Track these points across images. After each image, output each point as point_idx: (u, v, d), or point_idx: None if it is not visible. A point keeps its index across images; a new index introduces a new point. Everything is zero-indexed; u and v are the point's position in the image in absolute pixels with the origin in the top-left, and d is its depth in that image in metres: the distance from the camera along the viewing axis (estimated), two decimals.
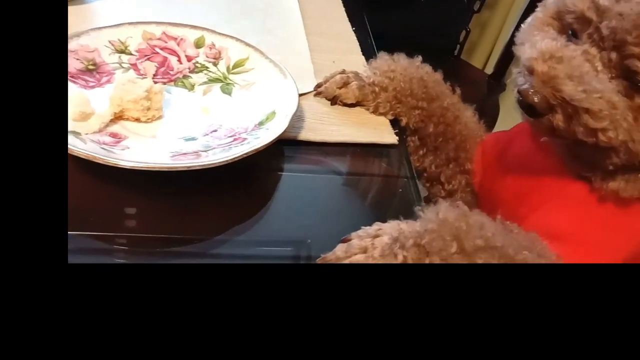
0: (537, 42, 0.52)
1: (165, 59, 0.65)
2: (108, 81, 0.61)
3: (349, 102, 0.68)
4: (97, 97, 0.57)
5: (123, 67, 0.63)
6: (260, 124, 0.58)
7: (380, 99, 0.68)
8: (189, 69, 0.65)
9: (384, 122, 0.69)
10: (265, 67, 0.64)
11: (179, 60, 0.65)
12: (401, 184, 0.63)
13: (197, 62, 0.66)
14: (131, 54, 0.64)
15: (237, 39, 0.67)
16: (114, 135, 0.55)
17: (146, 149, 0.54)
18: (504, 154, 0.69)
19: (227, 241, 0.51)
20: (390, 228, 0.49)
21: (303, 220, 0.56)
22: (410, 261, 0.46)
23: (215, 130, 0.58)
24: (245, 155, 0.51)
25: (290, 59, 0.72)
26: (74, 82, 0.58)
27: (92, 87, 0.60)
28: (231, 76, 0.65)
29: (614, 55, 0.48)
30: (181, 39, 0.66)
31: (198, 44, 0.66)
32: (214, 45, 0.67)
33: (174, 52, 0.66)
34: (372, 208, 0.61)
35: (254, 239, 0.52)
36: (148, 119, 0.57)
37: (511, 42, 1.78)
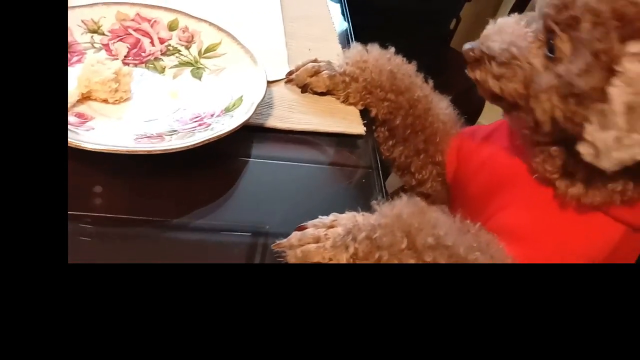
0: (499, 19, 0.59)
1: (138, 40, 0.66)
2: (78, 61, 0.62)
3: (319, 90, 0.69)
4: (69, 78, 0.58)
5: (95, 47, 0.64)
6: (227, 110, 0.59)
7: (351, 89, 0.69)
8: (161, 51, 0.66)
9: (353, 112, 0.70)
10: (237, 53, 0.65)
11: (152, 43, 0.66)
12: (365, 175, 0.64)
13: (169, 45, 0.67)
14: (104, 34, 0.65)
15: (211, 23, 0.67)
16: (80, 115, 0.56)
17: (111, 130, 0.55)
18: (480, 149, 0.70)
19: (185, 224, 0.53)
20: (346, 219, 0.51)
21: (264, 207, 0.57)
22: (360, 254, 0.47)
23: (179, 113, 0.59)
24: (206, 142, 0.52)
25: (265, 44, 0.73)
26: None
27: None
28: (202, 60, 0.66)
29: (539, 25, 0.53)
30: (155, 21, 0.67)
31: (171, 27, 0.67)
32: (187, 28, 0.67)
33: (147, 34, 0.66)
34: (333, 197, 0.62)
35: (213, 224, 0.54)
36: (115, 100, 0.58)
37: None
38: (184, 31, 0.67)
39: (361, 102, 0.70)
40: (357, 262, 0.47)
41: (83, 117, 0.55)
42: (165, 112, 0.59)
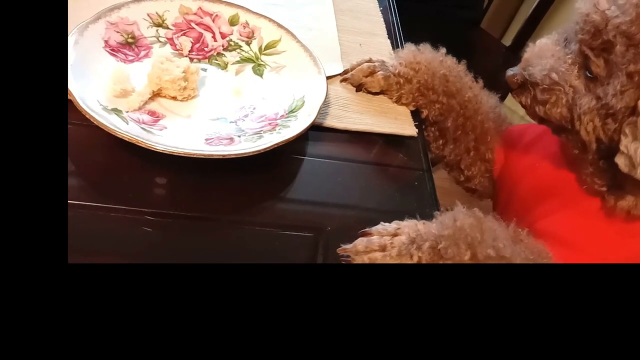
0: (539, 41, 0.61)
1: (201, 34, 0.67)
2: (146, 55, 0.63)
3: (374, 90, 0.71)
4: (136, 72, 0.60)
5: (160, 42, 0.65)
6: (291, 111, 0.61)
7: (404, 90, 0.71)
8: (223, 46, 0.68)
9: (404, 113, 0.71)
10: (296, 51, 0.67)
11: (214, 37, 0.67)
12: (416, 177, 0.66)
13: (230, 40, 0.68)
14: (168, 28, 0.66)
15: (270, 20, 0.68)
16: (152, 113, 0.58)
17: (182, 130, 0.57)
18: (528, 150, 0.72)
19: (245, 222, 0.55)
20: (409, 228, 0.53)
21: (323, 206, 0.59)
22: (424, 262, 0.50)
23: (246, 115, 0.61)
24: (275, 146, 0.54)
25: (318, 39, 0.74)
26: (114, 55, 0.60)
27: (131, 61, 0.62)
28: (263, 57, 0.67)
29: (576, 47, 0.56)
30: (216, 15, 0.68)
31: (232, 22, 0.68)
32: (247, 24, 0.68)
33: (209, 29, 0.67)
34: (387, 198, 0.64)
35: (274, 222, 0.56)
36: (184, 98, 0.60)
37: (532, 17, 1.77)
38: (244, 26, 0.68)
39: (413, 103, 0.72)
40: None
41: (155, 115, 0.57)
42: (230, 110, 0.61)
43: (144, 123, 0.55)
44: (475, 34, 1.73)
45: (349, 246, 0.53)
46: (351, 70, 0.71)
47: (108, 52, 0.60)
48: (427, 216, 0.56)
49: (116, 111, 0.54)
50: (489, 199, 0.83)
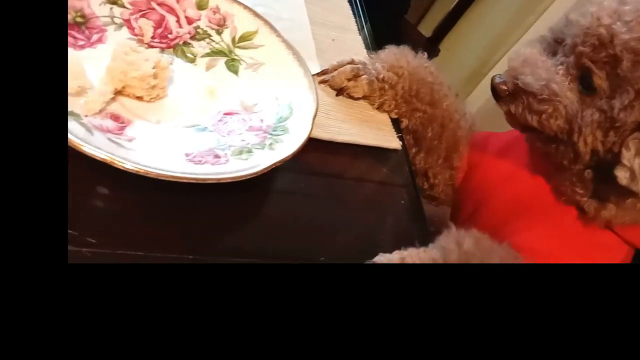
0: (521, 49, 0.60)
1: (163, 17, 0.55)
2: (99, 40, 0.51)
3: (357, 96, 0.64)
4: (88, 62, 0.48)
5: (115, 23, 0.53)
6: (279, 120, 0.52)
7: (387, 97, 0.65)
8: (190, 34, 0.57)
9: (386, 122, 0.65)
10: (276, 47, 0.57)
11: (178, 22, 0.56)
12: (402, 194, 0.61)
13: (198, 27, 0.57)
14: (124, 7, 0.54)
15: (245, 7, 0.58)
16: (115, 117, 0.46)
17: (154, 141, 0.46)
18: (501, 158, 0.70)
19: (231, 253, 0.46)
20: (411, 258, 0.50)
21: (312, 234, 0.52)
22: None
23: (225, 122, 0.52)
24: (273, 166, 0.46)
25: (290, 32, 0.64)
26: None
27: (82, 46, 0.50)
28: (237, 51, 0.57)
29: (572, 58, 0.55)
30: None
31: (200, 5, 0.57)
32: (218, 9, 0.58)
33: (172, 11, 0.56)
34: (378, 220, 0.58)
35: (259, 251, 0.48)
36: (152, 98, 0.49)
37: (453, 11, 1.77)
38: (214, 12, 0.58)
39: (395, 111, 0.66)
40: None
41: (119, 121, 0.46)
42: (206, 115, 0.51)
43: (108, 131, 0.44)
44: (402, 23, 1.71)
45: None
46: (331, 71, 0.63)
47: None
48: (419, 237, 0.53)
49: (74, 115, 0.43)
50: (447, 206, 0.80)
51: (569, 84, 0.55)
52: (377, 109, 0.65)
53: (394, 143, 0.63)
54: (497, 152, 0.71)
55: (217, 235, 0.47)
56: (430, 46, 1.77)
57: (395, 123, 0.66)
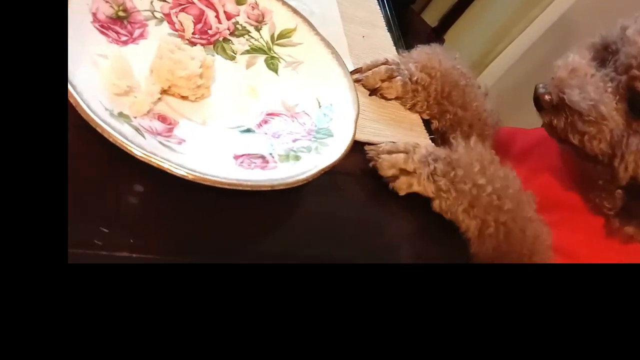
0: (569, 56, 0.58)
1: (202, 12, 0.54)
2: (141, 36, 0.50)
3: (390, 97, 0.63)
4: (131, 58, 0.47)
5: (156, 18, 0.51)
6: (322, 123, 0.51)
7: (419, 98, 0.64)
8: (229, 29, 0.55)
9: (418, 123, 0.65)
10: (315, 46, 0.56)
11: (217, 17, 0.55)
12: None
13: (237, 23, 0.56)
14: (165, 1, 0.52)
15: (284, 3, 0.57)
16: (162, 118, 0.45)
17: (202, 143, 0.45)
18: (526, 158, 0.70)
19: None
20: (427, 145, 0.55)
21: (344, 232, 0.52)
22: (439, 172, 0.52)
23: (267, 122, 0.51)
24: (322, 172, 0.45)
25: (322, 28, 0.63)
26: (104, 34, 0.46)
27: (125, 42, 0.48)
28: (276, 48, 0.56)
29: (623, 78, 0.53)
30: None
31: (239, 0, 0.56)
32: (257, 4, 0.56)
33: (211, 5, 0.55)
34: (410, 224, 0.58)
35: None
36: (197, 98, 0.48)
37: (459, 2, 1.77)
38: (253, 7, 0.56)
39: (427, 112, 0.65)
40: (436, 177, 0.52)
41: (167, 122, 0.45)
42: (250, 116, 0.50)
43: (158, 134, 0.43)
44: (407, 12, 1.70)
45: (375, 146, 0.54)
46: (365, 71, 0.63)
47: (97, 29, 0.46)
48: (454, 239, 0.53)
49: (124, 117, 0.42)
50: None
51: (616, 103, 0.54)
52: (409, 109, 0.65)
53: (425, 143, 0.63)
54: (523, 150, 0.72)
55: (252, 238, 0.46)
56: (435, 36, 1.76)
57: (426, 124, 0.66)
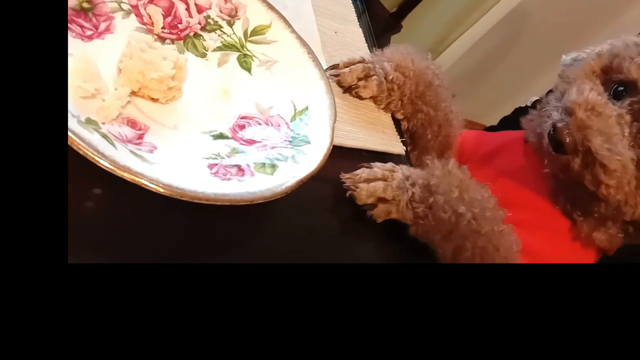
0: (584, 90, 0.55)
1: (172, 4, 0.51)
2: (107, 30, 0.46)
3: (365, 96, 0.62)
4: (97, 55, 0.43)
5: (123, 9, 0.48)
6: (298, 128, 0.49)
7: (394, 97, 0.63)
8: (200, 24, 0.52)
9: (389, 125, 0.64)
10: (291, 45, 0.54)
11: (188, 10, 0.51)
12: None
13: (208, 17, 0.53)
14: None
15: None
16: (132, 123, 0.42)
17: (175, 151, 0.43)
18: (493, 158, 0.70)
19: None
20: (403, 168, 0.55)
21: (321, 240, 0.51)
22: (417, 199, 0.51)
23: (241, 127, 0.48)
24: (301, 183, 0.43)
25: (295, 22, 0.61)
26: (69, 29, 0.42)
27: (90, 37, 0.44)
28: (249, 45, 0.54)
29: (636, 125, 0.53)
30: None
31: None
32: None
33: None
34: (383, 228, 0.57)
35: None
36: (168, 100, 0.45)
37: None
38: (225, 1, 0.53)
39: (401, 111, 0.65)
40: (414, 204, 0.51)
41: (137, 127, 0.42)
42: (223, 120, 0.48)
43: (128, 141, 0.40)
44: None
45: (353, 174, 0.53)
46: (343, 68, 0.61)
47: None
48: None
49: (92, 124, 0.38)
50: None
51: (630, 149, 0.53)
52: (383, 109, 0.64)
53: (398, 148, 0.62)
54: (488, 152, 0.72)
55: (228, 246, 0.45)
56: (394, 21, 1.75)
57: (397, 125, 0.65)
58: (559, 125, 0.53)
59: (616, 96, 0.56)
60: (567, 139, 0.52)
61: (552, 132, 0.55)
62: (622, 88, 0.56)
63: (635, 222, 0.57)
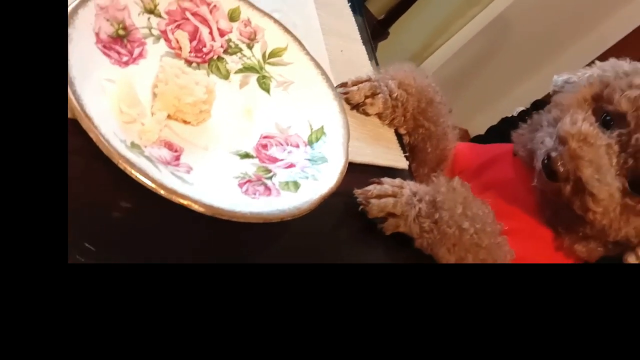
0: (577, 120, 0.58)
1: (197, 29, 0.54)
2: (140, 55, 0.49)
3: (371, 113, 0.65)
4: (134, 80, 0.46)
5: (153, 35, 0.51)
6: (316, 147, 0.53)
7: (397, 113, 0.67)
8: (222, 47, 0.55)
9: (392, 140, 0.68)
10: (305, 66, 0.58)
11: (211, 34, 0.55)
12: None
13: (230, 40, 0.56)
14: (161, 17, 0.51)
15: (275, 20, 0.58)
16: (168, 145, 0.45)
17: (208, 171, 0.46)
18: (484, 170, 0.75)
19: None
20: (409, 184, 0.58)
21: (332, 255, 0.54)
22: (423, 214, 0.54)
23: (265, 146, 0.52)
24: (322, 199, 0.47)
25: (305, 42, 0.65)
26: (107, 55, 0.45)
27: (127, 62, 0.47)
28: (267, 67, 0.57)
29: (630, 161, 0.57)
30: (214, 5, 0.55)
31: (232, 17, 0.56)
32: (249, 22, 0.57)
33: (205, 21, 0.54)
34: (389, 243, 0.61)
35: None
36: (199, 122, 0.48)
37: None
38: (245, 25, 0.56)
39: (404, 127, 0.69)
40: (421, 219, 0.54)
41: (173, 149, 0.45)
42: (248, 140, 0.51)
43: (167, 163, 0.43)
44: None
45: (365, 189, 0.56)
46: (351, 86, 0.65)
47: (101, 50, 0.45)
48: None
49: (136, 148, 0.41)
50: None
51: (617, 178, 0.57)
52: (387, 125, 0.68)
53: (402, 162, 0.66)
54: (481, 164, 0.76)
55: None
56: (381, 28, 1.79)
57: (400, 140, 0.69)
58: (553, 154, 0.57)
59: (605, 124, 0.60)
60: (561, 169, 0.56)
61: (546, 161, 0.59)
62: (610, 118, 0.60)
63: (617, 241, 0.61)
